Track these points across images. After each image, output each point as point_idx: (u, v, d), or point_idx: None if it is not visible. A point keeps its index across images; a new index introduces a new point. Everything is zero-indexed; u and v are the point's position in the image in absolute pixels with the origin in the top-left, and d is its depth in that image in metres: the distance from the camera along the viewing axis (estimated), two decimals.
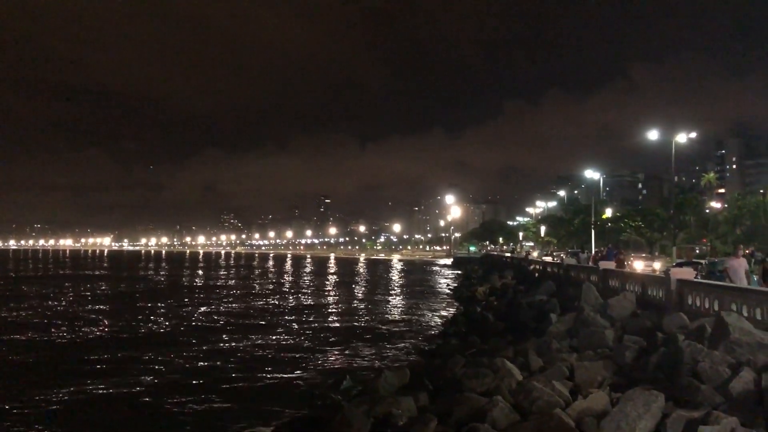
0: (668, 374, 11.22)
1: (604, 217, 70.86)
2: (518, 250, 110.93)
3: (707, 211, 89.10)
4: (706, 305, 15.51)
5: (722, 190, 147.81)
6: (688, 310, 16.22)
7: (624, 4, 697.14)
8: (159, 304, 44.18)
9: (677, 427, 8.97)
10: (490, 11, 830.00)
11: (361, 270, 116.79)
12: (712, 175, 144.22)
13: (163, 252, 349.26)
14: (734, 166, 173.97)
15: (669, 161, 43.97)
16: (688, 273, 18.29)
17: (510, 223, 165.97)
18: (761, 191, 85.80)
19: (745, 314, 13.10)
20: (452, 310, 39.91)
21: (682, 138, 42.71)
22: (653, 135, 43.85)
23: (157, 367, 22.01)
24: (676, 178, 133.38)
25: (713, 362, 10.37)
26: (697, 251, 78.00)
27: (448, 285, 68.12)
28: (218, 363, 22.81)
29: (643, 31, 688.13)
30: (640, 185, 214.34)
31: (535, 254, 60.89)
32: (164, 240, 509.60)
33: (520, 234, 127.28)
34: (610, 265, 27.82)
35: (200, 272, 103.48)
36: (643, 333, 15.21)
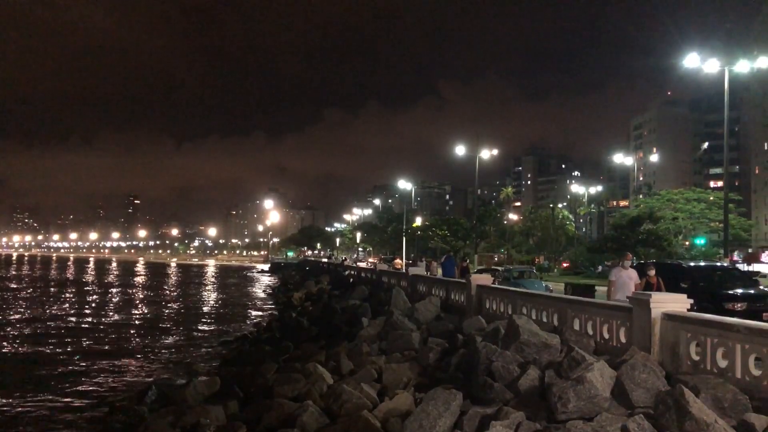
0: (467, 373, 11.96)
1: (414, 225, 74.32)
2: (336, 256, 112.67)
3: (505, 222, 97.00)
4: (502, 309, 16.83)
5: (518, 204, 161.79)
6: (486, 313, 17.45)
7: (438, 25, 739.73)
8: None
9: (473, 423, 9.60)
10: (311, 20, 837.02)
11: (173, 275, 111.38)
12: (509, 189, 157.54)
13: None
14: (529, 182, 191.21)
15: (474, 175, 47.24)
16: (486, 279, 19.66)
17: (328, 229, 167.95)
18: (550, 206, 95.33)
19: (534, 317, 14.41)
20: (267, 316, 39.46)
21: (485, 154, 46.18)
22: (460, 150, 46.93)
23: None
24: (479, 191, 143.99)
25: (505, 361, 11.22)
26: (496, 259, 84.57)
27: (264, 291, 67.26)
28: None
29: (453, 52, 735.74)
30: (447, 196, 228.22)
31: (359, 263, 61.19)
32: None
33: (337, 240, 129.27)
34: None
35: None
36: (446, 335, 16.11)
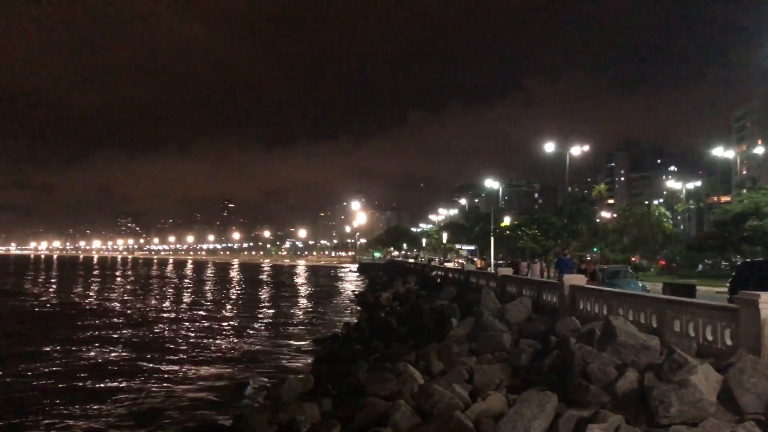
0: (561, 375, 11.73)
1: (502, 225, 73.24)
2: (422, 256, 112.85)
3: (598, 220, 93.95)
4: (596, 310, 16.36)
5: (611, 201, 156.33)
6: (579, 314, 17.04)
7: (522, 21, 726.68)
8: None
9: (569, 425, 9.41)
10: (395, 23, 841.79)
11: (266, 276, 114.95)
12: (602, 186, 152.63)
13: (55, 256, 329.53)
14: (622, 179, 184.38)
15: (563, 172, 46.09)
16: (579, 279, 19.17)
17: (414, 229, 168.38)
18: (646, 202, 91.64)
19: (631, 318, 13.94)
20: (356, 316, 40.04)
21: (575, 151, 44.91)
22: (549, 147, 45.86)
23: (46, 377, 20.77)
24: (569, 189, 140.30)
25: (601, 363, 10.94)
26: (588, 258, 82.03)
27: (352, 290, 68.26)
28: (117, 373, 21.82)
29: (539, 47, 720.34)
30: (536, 195, 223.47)
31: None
32: (56, 244, 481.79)
33: (424, 240, 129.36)
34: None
35: (94, 278, 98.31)
36: (538, 336, 15.84)
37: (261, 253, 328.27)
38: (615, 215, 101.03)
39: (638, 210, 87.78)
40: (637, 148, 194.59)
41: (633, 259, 78.40)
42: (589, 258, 28.86)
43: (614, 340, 11.52)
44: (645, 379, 9.67)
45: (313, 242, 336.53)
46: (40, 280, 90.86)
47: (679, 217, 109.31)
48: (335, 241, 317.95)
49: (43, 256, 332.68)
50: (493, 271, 39.41)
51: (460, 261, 74.43)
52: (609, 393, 10.03)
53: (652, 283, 32.47)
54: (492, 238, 64.03)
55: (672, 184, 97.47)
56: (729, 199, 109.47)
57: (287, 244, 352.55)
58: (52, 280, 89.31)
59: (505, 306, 20.32)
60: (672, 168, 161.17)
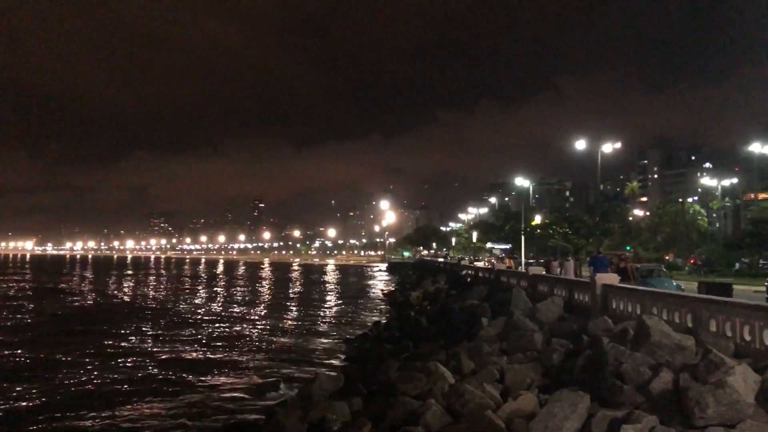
0: (593, 375, 11.60)
1: (533, 223, 72.59)
2: (451, 255, 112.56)
3: (630, 218, 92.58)
4: (629, 309, 16.13)
5: (644, 199, 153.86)
6: (612, 313, 16.82)
7: (552, 19, 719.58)
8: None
9: (602, 426, 9.31)
10: (424, 22, 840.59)
11: (296, 275, 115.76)
12: (635, 184, 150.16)
13: (90, 256, 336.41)
14: (655, 176, 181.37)
15: (595, 170, 45.51)
16: (612, 278, 18.92)
17: (443, 228, 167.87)
18: (680, 200, 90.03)
19: (665, 318, 13.71)
20: (386, 315, 40.09)
21: (607, 148, 44.28)
22: (580, 145, 45.30)
23: (84, 374, 21.24)
24: (601, 187, 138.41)
25: (635, 363, 10.78)
26: (625, 256, 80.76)
27: (382, 290, 68.37)
28: (149, 371, 22.20)
29: (570, 46, 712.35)
30: (567, 193, 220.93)
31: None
32: (91, 244, 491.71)
33: (453, 239, 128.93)
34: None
35: (129, 277, 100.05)
36: (570, 336, 15.69)
37: (291, 252, 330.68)
38: (648, 213, 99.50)
39: (672, 208, 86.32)
40: (670, 144, 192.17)
41: (666, 257, 77.08)
42: (624, 255, 27.56)
43: (648, 339, 11.35)
44: (680, 379, 9.52)
45: (342, 242, 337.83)
46: (87, 279, 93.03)
47: (714, 215, 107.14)
48: (364, 241, 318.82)
49: (78, 256, 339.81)
50: (523, 270, 39.13)
51: (491, 260, 73.99)
52: (643, 393, 9.90)
53: (687, 282, 31.92)
54: (522, 237, 63.52)
55: (707, 181, 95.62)
56: (767, 196, 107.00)
57: (317, 244, 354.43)
58: (102, 279, 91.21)
59: (536, 305, 20.16)
60: (707, 165, 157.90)
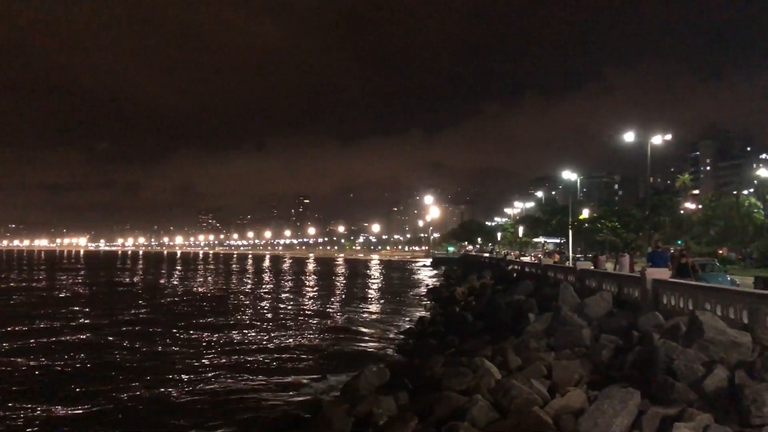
0: (644, 372, 11.38)
1: (581, 217, 71.36)
2: (497, 250, 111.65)
3: (682, 212, 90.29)
4: (681, 304, 15.75)
5: (696, 192, 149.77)
6: (663, 309, 16.45)
7: (599, 9, 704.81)
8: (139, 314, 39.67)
9: (653, 423, 9.13)
10: (467, 14, 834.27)
11: (341, 270, 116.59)
12: (686, 176, 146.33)
13: (141, 252, 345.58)
14: (708, 168, 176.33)
15: (644, 163, 44.40)
16: (663, 273, 18.50)
17: (488, 223, 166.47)
18: (734, 192, 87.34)
19: (719, 313, 13.35)
20: (431, 310, 40.05)
21: (657, 140, 43.13)
22: (629, 137, 44.26)
23: (137, 379, 21.86)
24: (651, 180, 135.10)
25: (687, 360, 10.54)
26: (672, 251, 78.87)
27: (426, 285, 68.27)
28: (199, 367, 22.70)
29: (617, 35, 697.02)
30: (616, 186, 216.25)
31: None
32: (141, 240, 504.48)
33: (499, 234, 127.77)
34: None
35: (179, 272, 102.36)
36: (619, 332, 15.40)
37: (335, 247, 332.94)
38: (700, 206, 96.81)
39: (726, 200, 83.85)
40: (724, 135, 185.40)
41: (720, 251, 74.85)
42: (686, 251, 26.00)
43: (701, 336, 11.08)
44: (736, 377, 9.27)
45: (386, 237, 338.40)
46: (159, 274, 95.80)
47: None
48: (408, 236, 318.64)
49: (129, 252, 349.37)
50: (571, 265, 38.53)
51: (538, 255, 73.07)
52: (696, 391, 9.68)
53: (741, 277, 30.97)
54: (570, 232, 62.54)
55: (763, 172, 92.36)
56: None
57: (361, 239, 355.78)
58: (177, 274, 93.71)
59: (584, 300, 19.86)
60: (763, 156, 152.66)
